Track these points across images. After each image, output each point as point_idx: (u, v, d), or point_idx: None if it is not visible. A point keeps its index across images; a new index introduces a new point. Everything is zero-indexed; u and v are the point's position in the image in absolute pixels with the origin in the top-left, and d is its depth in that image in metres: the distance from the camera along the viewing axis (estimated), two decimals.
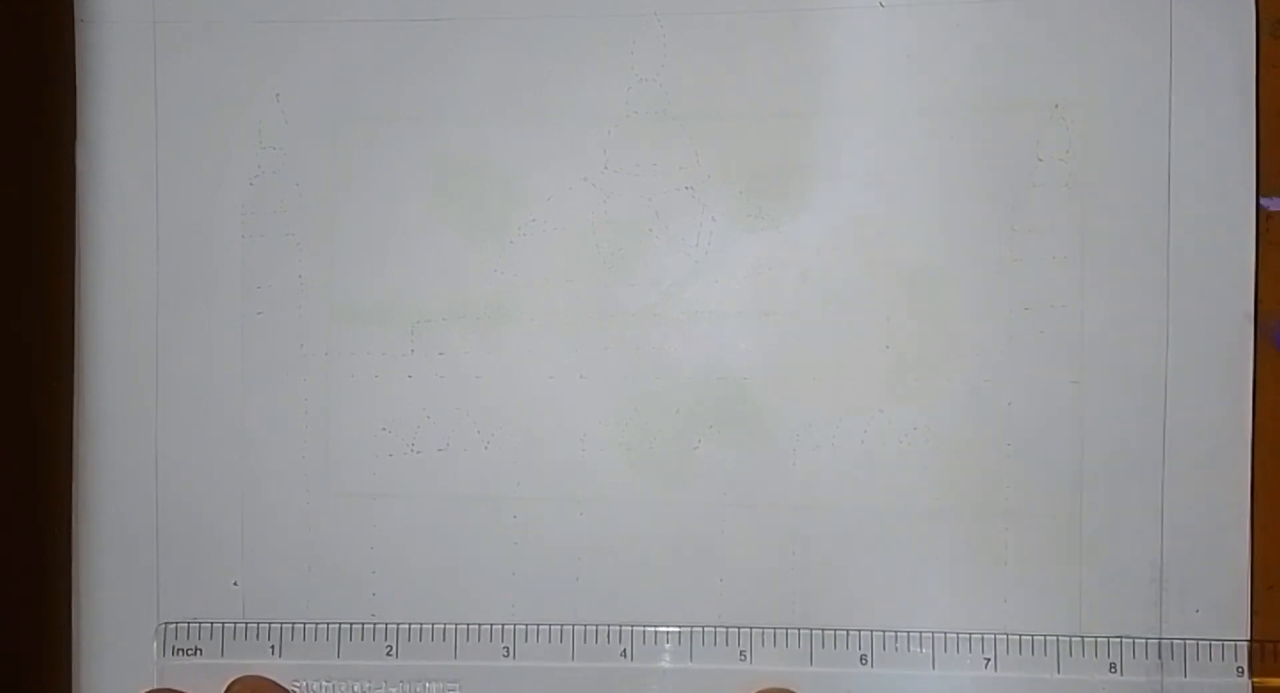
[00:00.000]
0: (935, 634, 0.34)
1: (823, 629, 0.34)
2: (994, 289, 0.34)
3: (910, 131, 0.34)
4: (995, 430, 0.34)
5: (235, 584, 0.35)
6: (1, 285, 0.36)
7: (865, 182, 0.34)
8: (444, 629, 0.35)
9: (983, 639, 0.34)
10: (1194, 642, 0.33)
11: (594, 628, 0.35)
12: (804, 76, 0.34)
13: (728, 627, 0.34)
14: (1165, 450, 0.33)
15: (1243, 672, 0.33)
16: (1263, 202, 0.33)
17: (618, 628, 0.34)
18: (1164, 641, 0.33)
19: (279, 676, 0.35)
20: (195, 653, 0.35)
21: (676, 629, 0.34)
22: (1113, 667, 0.33)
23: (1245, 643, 0.33)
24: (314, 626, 0.35)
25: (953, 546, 0.34)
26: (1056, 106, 0.34)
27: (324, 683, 0.35)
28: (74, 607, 0.35)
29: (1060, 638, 0.34)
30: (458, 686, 0.35)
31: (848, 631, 0.34)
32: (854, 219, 0.34)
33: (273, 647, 0.35)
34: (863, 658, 0.34)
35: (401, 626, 0.35)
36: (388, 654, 0.35)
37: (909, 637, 0.34)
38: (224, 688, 0.34)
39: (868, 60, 0.34)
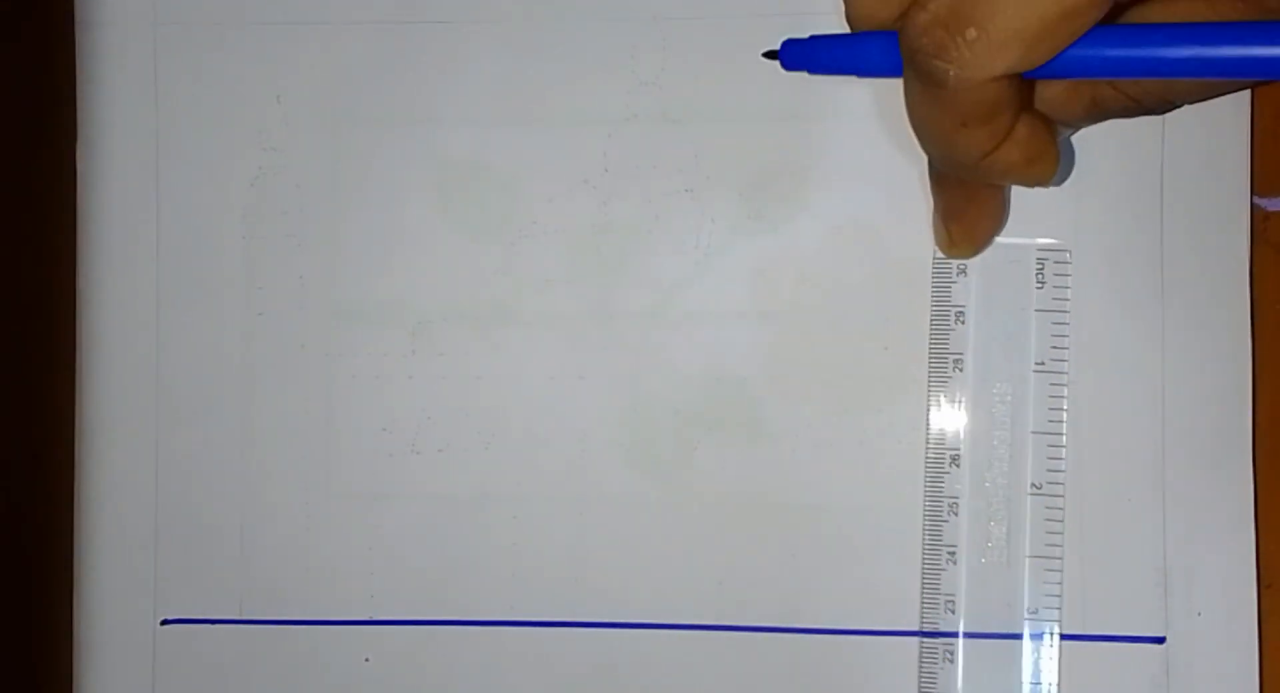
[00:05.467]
0: (935, 634, 0.34)
1: (822, 629, 0.34)
2: (987, 310, 0.34)
3: (908, 133, 0.34)
4: (994, 431, 0.34)
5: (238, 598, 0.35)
6: (2, 285, 0.36)
7: (864, 183, 0.34)
8: (443, 630, 0.35)
9: (984, 641, 0.34)
10: (1199, 644, 0.33)
11: (593, 628, 0.34)
12: (803, 79, 0.34)
13: (727, 627, 0.34)
14: (1164, 451, 0.33)
15: (1250, 675, 0.33)
16: (1260, 202, 0.34)
17: (617, 628, 0.34)
18: (1168, 643, 0.33)
19: (277, 675, 0.35)
20: (194, 653, 0.35)
21: (676, 630, 0.34)
22: (1116, 669, 0.33)
23: (1252, 645, 0.33)
24: (313, 626, 0.35)
25: (953, 546, 0.34)
26: None
27: (323, 682, 0.35)
28: (74, 607, 0.35)
29: (1062, 639, 0.34)
30: (457, 686, 0.35)
31: (847, 629, 0.34)
32: (853, 220, 0.34)
33: (272, 647, 0.35)
34: (859, 657, 0.34)
35: (400, 626, 0.35)
36: (387, 654, 0.35)
37: (908, 636, 0.34)
38: None
39: None
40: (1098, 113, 0.29)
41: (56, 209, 0.35)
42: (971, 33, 0.24)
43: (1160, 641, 0.33)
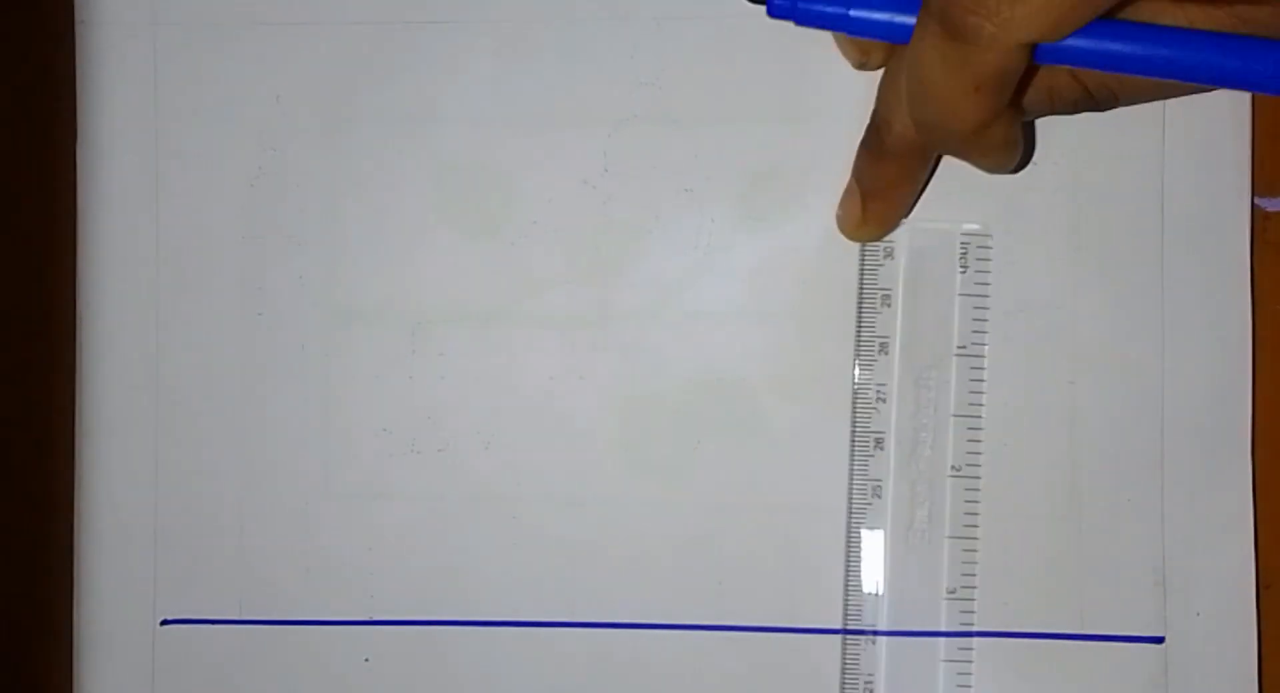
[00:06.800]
0: (935, 635, 0.34)
1: (822, 629, 0.34)
2: (990, 290, 0.34)
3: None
4: (993, 431, 0.34)
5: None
6: (2, 285, 0.36)
7: None
8: (443, 630, 0.35)
9: (984, 640, 0.34)
10: (1198, 644, 0.33)
11: (592, 629, 0.35)
12: (802, 80, 0.34)
13: (727, 627, 0.34)
14: (1163, 451, 0.34)
15: (1249, 675, 0.33)
16: (1261, 202, 0.34)
17: (617, 629, 0.34)
18: (1167, 643, 0.33)
19: (277, 676, 0.35)
20: (194, 653, 0.35)
21: (675, 630, 0.34)
22: (1115, 669, 0.33)
23: (1252, 645, 0.33)
24: (312, 626, 0.35)
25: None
26: None
27: (323, 682, 0.35)
28: (75, 604, 0.35)
29: (1062, 640, 0.34)
30: (456, 686, 0.35)
31: (846, 630, 0.34)
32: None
33: (271, 646, 0.35)
34: (861, 657, 0.34)
35: (400, 626, 0.35)
36: (387, 655, 0.35)
37: (908, 637, 0.34)
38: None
39: None
40: (1047, 105, 0.30)
41: (56, 209, 0.35)
42: None
43: (1159, 641, 0.33)
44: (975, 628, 0.34)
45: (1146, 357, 0.34)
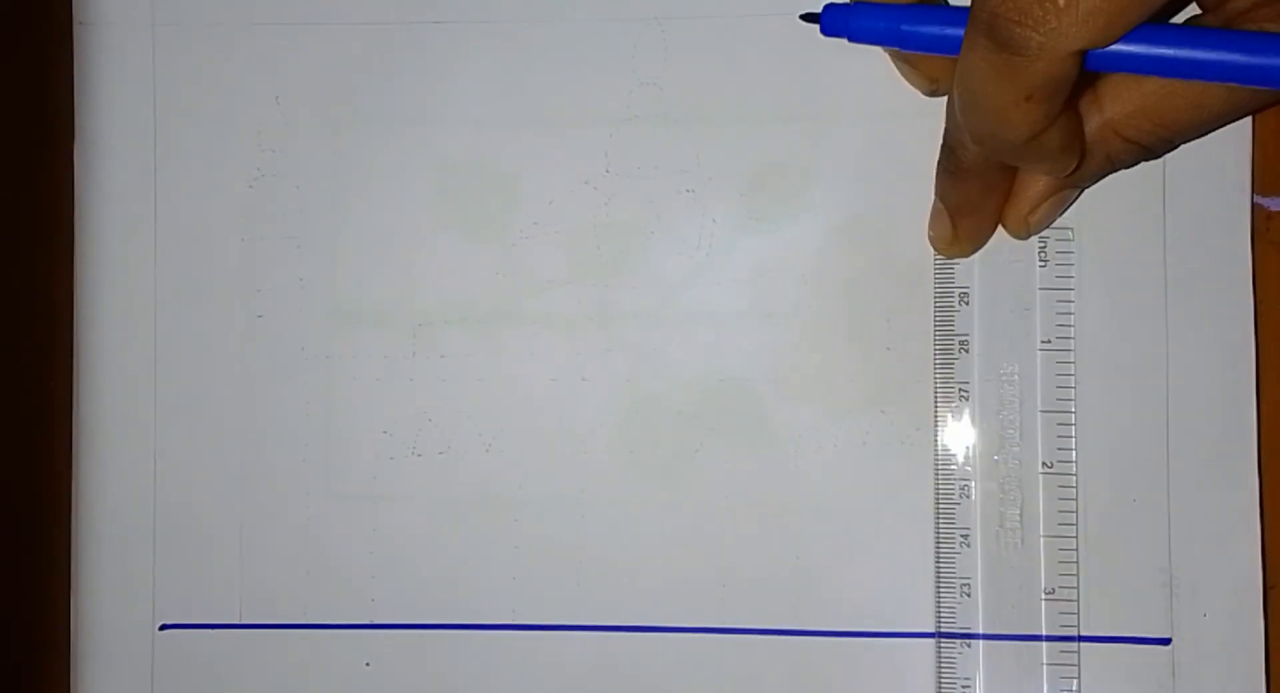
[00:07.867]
0: (937, 636, 0.34)
1: (827, 631, 0.34)
2: (992, 290, 0.34)
3: (909, 133, 0.34)
4: (1003, 412, 0.34)
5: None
6: (1, 286, 0.35)
7: (865, 183, 0.34)
8: (444, 634, 0.35)
9: (988, 642, 0.34)
10: (1205, 645, 0.33)
11: (595, 631, 0.34)
12: (804, 79, 0.34)
13: (731, 630, 0.34)
14: (1168, 452, 0.33)
15: (1256, 676, 0.33)
16: (1262, 201, 0.34)
17: (619, 631, 0.34)
18: (1174, 645, 0.33)
19: (277, 680, 0.35)
20: (193, 658, 0.35)
21: (679, 633, 0.34)
22: (1122, 671, 0.33)
23: (1259, 647, 0.33)
24: (313, 629, 0.35)
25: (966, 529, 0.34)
26: None
27: (323, 686, 0.35)
28: (73, 608, 0.35)
29: (1066, 641, 0.34)
30: (458, 690, 0.35)
31: (853, 631, 0.34)
32: (854, 220, 0.34)
33: (271, 650, 0.35)
34: (864, 660, 0.34)
35: (401, 630, 0.35)
36: (388, 659, 0.35)
37: (910, 639, 0.34)
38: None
39: (867, 63, 0.34)
40: (1108, 167, 0.30)
41: (55, 210, 0.35)
42: (1062, 0, 0.25)
43: (1166, 642, 0.33)
44: (979, 631, 0.34)
45: (1149, 357, 0.34)
